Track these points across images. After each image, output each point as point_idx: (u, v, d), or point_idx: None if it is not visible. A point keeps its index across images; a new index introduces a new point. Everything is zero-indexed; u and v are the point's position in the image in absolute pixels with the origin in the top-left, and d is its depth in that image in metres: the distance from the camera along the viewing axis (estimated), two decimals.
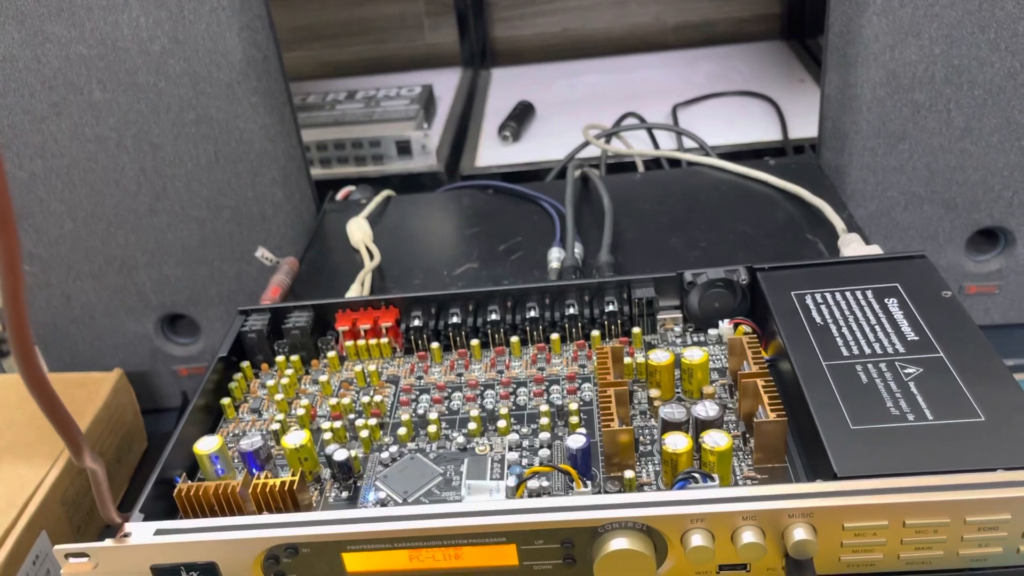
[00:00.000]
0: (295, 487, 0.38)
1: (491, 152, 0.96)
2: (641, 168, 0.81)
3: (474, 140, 1.00)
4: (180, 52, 0.61)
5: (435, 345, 0.49)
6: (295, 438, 0.41)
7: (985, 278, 0.72)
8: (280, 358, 0.49)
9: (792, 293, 0.46)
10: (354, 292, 0.56)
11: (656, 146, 0.86)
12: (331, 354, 0.49)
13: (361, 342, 0.50)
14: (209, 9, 0.60)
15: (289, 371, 0.49)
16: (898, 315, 0.43)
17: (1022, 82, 0.62)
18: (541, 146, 0.95)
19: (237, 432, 0.46)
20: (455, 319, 0.49)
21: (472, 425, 0.43)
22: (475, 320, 0.49)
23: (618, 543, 0.34)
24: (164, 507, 0.40)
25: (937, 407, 0.37)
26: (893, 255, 0.48)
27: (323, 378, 0.48)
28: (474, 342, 0.49)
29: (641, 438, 0.42)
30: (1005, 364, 0.39)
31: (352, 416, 0.45)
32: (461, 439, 0.43)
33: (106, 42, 0.61)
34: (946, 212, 0.69)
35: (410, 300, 0.50)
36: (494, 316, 0.49)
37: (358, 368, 0.48)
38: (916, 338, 0.41)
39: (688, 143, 0.84)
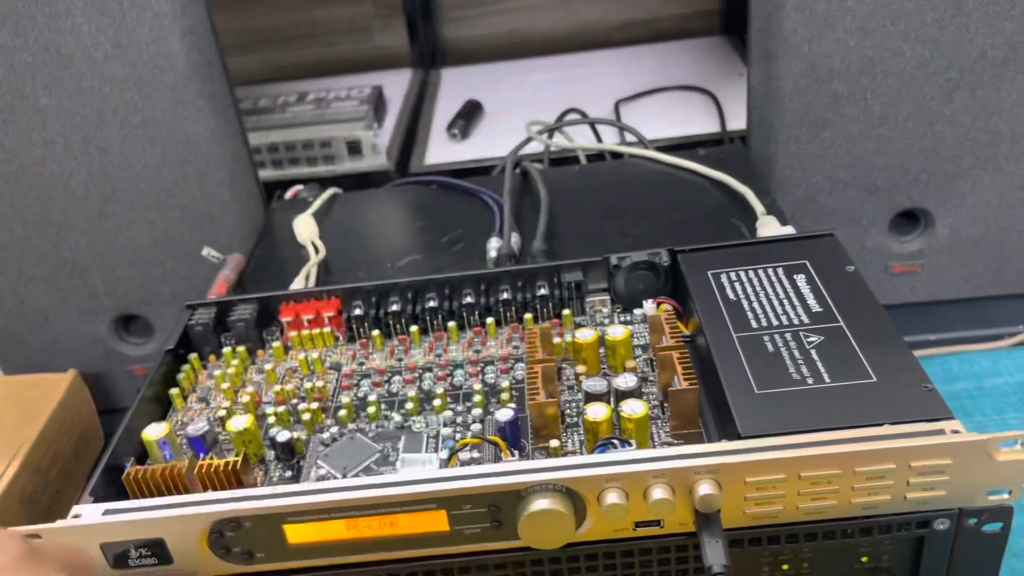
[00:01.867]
0: (239, 467, 0.41)
1: (440, 150, 0.99)
2: (584, 162, 0.84)
3: (424, 139, 1.02)
4: (124, 57, 0.63)
5: (375, 333, 0.51)
6: (239, 422, 0.43)
7: (908, 258, 0.75)
8: (226, 349, 0.51)
9: (709, 272, 0.49)
10: (298, 285, 0.58)
11: (599, 141, 0.89)
12: (276, 344, 0.51)
13: (305, 332, 0.52)
14: (151, 15, 0.62)
15: (235, 361, 0.51)
16: (805, 289, 0.46)
17: (932, 70, 0.66)
18: (488, 143, 0.97)
19: (186, 420, 0.48)
20: (395, 307, 0.52)
21: (409, 405, 0.45)
22: (414, 308, 0.52)
23: (539, 504, 0.36)
24: (115, 492, 0.42)
25: (834, 371, 0.40)
26: (804, 235, 0.51)
27: (268, 367, 0.50)
28: (413, 328, 0.51)
29: (567, 411, 0.45)
30: (896, 329, 0.42)
31: (295, 401, 0.47)
32: (398, 418, 0.45)
33: (50, 49, 0.62)
34: (868, 196, 0.72)
35: (351, 290, 0.52)
36: (432, 303, 0.51)
37: (301, 356, 0.50)
38: (820, 310, 0.45)
39: (630, 137, 0.87)
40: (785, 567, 0.40)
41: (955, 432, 0.36)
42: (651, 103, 1.02)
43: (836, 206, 0.73)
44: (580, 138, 0.90)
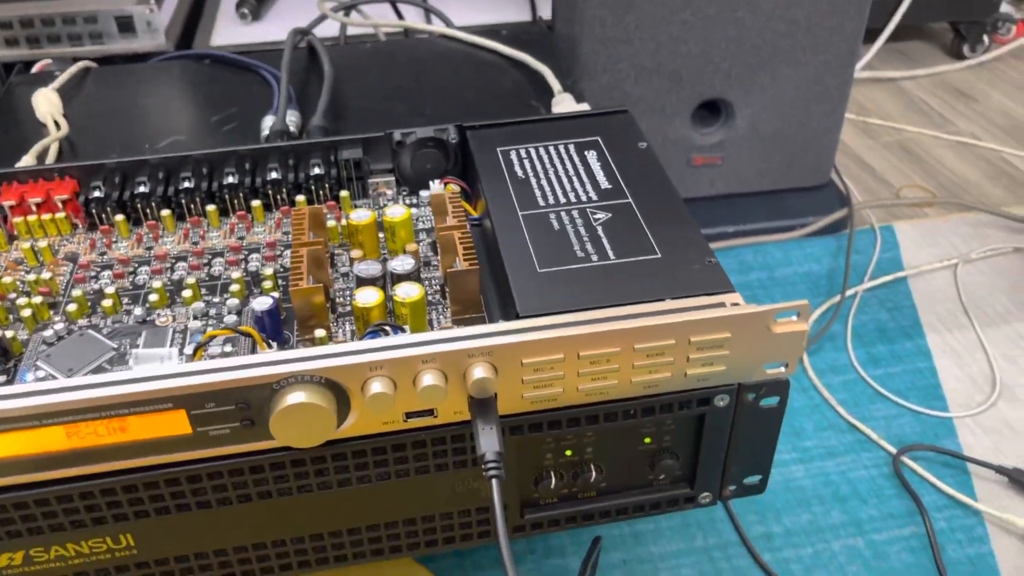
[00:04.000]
0: None
1: (228, 31, 0.89)
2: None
3: (210, 18, 0.92)
4: None
5: (119, 218, 0.44)
6: None
7: (710, 150, 0.75)
8: None
9: (499, 150, 0.45)
10: (28, 163, 0.50)
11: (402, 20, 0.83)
12: None
13: (33, 218, 0.44)
14: None
15: None
16: (595, 166, 0.44)
17: None
18: (283, 25, 0.88)
19: None
20: (143, 188, 0.45)
21: (154, 297, 0.39)
22: (167, 189, 0.45)
23: (293, 398, 0.32)
24: None
25: (619, 247, 0.38)
26: (597, 111, 0.48)
27: None
28: (165, 213, 0.44)
29: (339, 299, 0.40)
30: (684, 205, 0.41)
31: (14, 295, 0.40)
32: (140, 311, 0.39)
33: None
34: (672, 84, 0.71)
35: (90, 168, 0.45)
36: (188, 184, 0.45)
37: (26, 246, 0.42)
38: (609, 186, 0.42)
39: (437, 21, 0.82)
40: (568, 452, 0.38)
41: (735, 304, 0.35)
42: None
43: (641, 94, 0.71)
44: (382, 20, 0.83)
